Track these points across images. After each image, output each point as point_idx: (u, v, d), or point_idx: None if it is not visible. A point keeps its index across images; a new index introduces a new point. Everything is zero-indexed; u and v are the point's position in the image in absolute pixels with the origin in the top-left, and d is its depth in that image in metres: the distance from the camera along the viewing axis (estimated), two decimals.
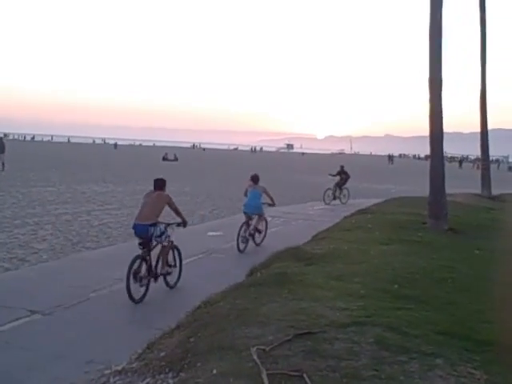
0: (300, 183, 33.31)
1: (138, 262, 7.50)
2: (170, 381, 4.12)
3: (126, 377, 4.50)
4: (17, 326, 6.35)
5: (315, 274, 6.82)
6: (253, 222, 11.50)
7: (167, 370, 4.29)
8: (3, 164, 30.90)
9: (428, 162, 13.06)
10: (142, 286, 7.49)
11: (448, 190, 12.86)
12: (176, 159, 58.63)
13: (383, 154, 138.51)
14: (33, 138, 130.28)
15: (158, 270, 7.94)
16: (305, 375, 3.72)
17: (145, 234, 7.75)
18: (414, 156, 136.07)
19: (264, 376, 3.72)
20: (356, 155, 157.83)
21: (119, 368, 4.73)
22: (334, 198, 20.98)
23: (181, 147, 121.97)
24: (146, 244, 7.75)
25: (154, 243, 7.90)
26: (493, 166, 33.08)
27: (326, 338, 4.44)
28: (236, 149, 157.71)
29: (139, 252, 7.68)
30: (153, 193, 8.08)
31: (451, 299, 5.98)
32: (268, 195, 11.73)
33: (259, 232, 11.70)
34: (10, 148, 38.08)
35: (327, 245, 9.17)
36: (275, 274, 6.88)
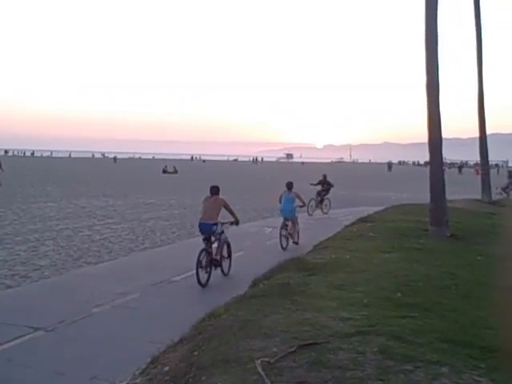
0: (304, 191, 33.24)
1: (203, 253, 9.29)
2: None
3: None
4: (19, 344, 6.33)
5: (318, 284, 6.81)
6: (288, 225, 13.27)
7: None
8: None
9: (427, 169, 13.06)
10: (206, 272, 9.25)
11: (448, 197, 12.86)
12: (176, 172, 58.71)
13: (382, 161, 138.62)
14: (32, 153, 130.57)
15: (217, 260, 9.67)
16: None
17: (208, 231, 9.61)
18: (414, 163, 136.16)
19: None
20: (355, 163, 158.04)
21: None
22: (317, 207, 20.73)
23: (180, 159, 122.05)
24: (208, 239, 9.61)
25: (214, 239, 9.67)
26: (492, 171, 33.19)
27: (330, 349, 4.42)
28: (236, 160, 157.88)
29: (203, 246, 9.47)
30: (210, 198, 9.92)
31: (455, 306, 5.96)
32: (300, 199, 13.65)
33: (291, 235, 13.37)
34: (11, 164, 38.10)
35: (329, 254, 9.15)
36: (278, 284, 6.87)
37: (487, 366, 4.22)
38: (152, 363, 5.03)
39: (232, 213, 10.07)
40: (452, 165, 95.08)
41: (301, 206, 13.88)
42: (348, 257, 8.76)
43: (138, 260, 12.03)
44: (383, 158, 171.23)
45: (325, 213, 20.79)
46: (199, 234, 15.96)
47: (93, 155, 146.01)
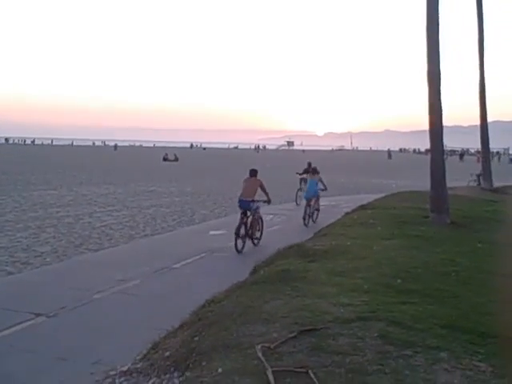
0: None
1: (241, 226, 11.00)
2: (176, 380, 4.12)
3: (131, 377, 4.51)
4: (21, 329, 6.36)
5: (318, 271, 6.82)
6: (312, 203, 14.69)
7: (172, 370, 4.30)
8: None
9: (428, 156, 13.02)
10: (243, 241, 10.94)
11: (449, 184, 12.84)
12: (176, 159, 58.64)
13: (383, 149, 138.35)
14: (33, 141, 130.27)
15: (251, 232, 11.32)
16: (310, 372, 3.72)
17: (246, 206, 11.27)
18: (414, 150, 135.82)
19: (269, 373, 3.72)
20: (356, 151, 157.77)
21: (124, 369, 4.74)
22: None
23: (181, 147, 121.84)
24: (245, 214, 11.22)
25: (249, 214, 11.25)
26: (493, 159, 33.07)
27: (330, 334, 4.44)
28: (236, 147, 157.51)
29: (239, 220, 11.07)
30: (249, 178, 11.63)
31: (455, 292, 5.97)
32: (322, 183, 15.13)
33: (317, 210, 15.14)
34: (11, 152, 38.07)
35: (329, 241, 9.16)
36: (278, 271, 6.88)
37: (486, 352, 4.24)
38: (153, 348, 5.06)
39: (266, 193, 11.55)
40: (453, 152, 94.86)
41: (322, 190, 15.15)
42: (348, 243, 8.77)
43: (138, 247, 12.06)
44: (384, 146, 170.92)
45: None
46: (199, 221, 16.25)
47: (93, 143, 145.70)
